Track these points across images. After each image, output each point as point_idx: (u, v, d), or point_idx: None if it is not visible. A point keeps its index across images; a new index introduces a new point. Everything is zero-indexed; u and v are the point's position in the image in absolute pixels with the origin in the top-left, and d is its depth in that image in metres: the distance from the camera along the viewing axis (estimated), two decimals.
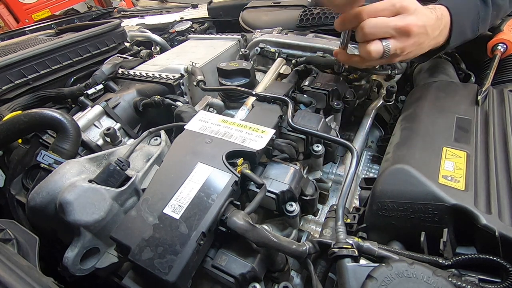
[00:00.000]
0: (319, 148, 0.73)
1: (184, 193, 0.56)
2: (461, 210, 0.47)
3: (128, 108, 0.98)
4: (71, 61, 1.12)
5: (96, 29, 1.22)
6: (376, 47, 0.62)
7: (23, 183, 0.76)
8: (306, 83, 0.91)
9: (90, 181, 0.61)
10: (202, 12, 1.90)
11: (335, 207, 0.57)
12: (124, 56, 1.22)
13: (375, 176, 0.93)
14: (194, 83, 0.97)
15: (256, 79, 1.03)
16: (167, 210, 0.54)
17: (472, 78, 0.94)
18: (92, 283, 0.70)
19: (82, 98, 0.98)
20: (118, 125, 0.92)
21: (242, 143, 0.65)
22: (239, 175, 0.59)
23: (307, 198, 0.67)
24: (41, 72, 1.04)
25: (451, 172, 0.53)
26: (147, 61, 1.23)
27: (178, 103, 0.94)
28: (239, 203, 0.58)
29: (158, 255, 0.48)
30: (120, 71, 1.11)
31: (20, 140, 0.81)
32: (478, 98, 0.68)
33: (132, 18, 2.01)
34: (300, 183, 0.65)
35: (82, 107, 0.98)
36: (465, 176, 0.52)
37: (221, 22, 1.81)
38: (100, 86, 1.02)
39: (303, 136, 0.74)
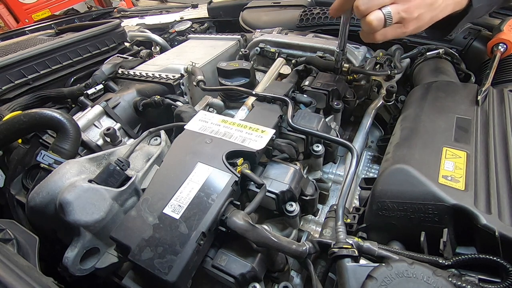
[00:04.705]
0: (319, 148, 0.73)
1: (184, 193, 0.56)
2: (461, 210, 0.47)
3: (128, 108, 0.98)
4: (71, 61, 1.12)
5: (96, 29, 1.22)
6: (375, 16, 0.57)
7: (23, 183, 0.76)
8: (306, 83, 0.91)
9: (90, 181, 0.61)
10: (202, 12, 1.90)
11: (335, 207, 0.57)
12: (124, 56, 1.22)
13: (375, 176, 0.93)
14: (194, 83, 0.97)
15: (256, 79, 1.03)
16: (167, 210, 0.54)
17: (472, 78, 0.94)
18: (92, 283, 0.70)
19: (82, 98, 0.98)
20: (118, 125, 0.92)
21: (242, 143, 0.65)
22: (239, 175, 0.59)
23: (307, 198, 0.67)
24: (41, 72, 1.04)
25: (451, 172, 0.53)
26: (147, 61, 1.23)
27: (178, 103, 0.95)
28: (239, 203, 0.58)
29: (158, 255, 0.48)
30: (120, 71, 1.11)
31: (20, 140, 0.81)
32: (478, 98, 0.68)
33: (132, 18, 2.01)
34: (300, 183, 0.65)
35: (82, 107, 0.98)
36: (465, 176, 0.52)
37: (221, 22, 1.81)
38: (100, 86, 1.02)
39: (303, 136, 0.74)
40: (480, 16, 0.71)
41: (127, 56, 1.23)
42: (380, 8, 0.57)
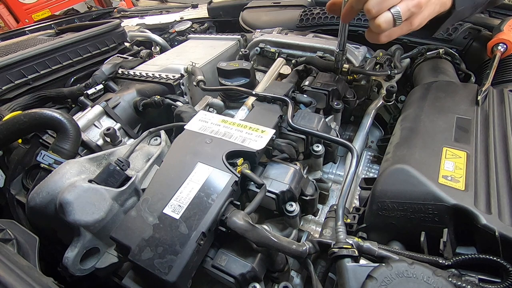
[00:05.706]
0: (319, 148, 0.73)
1: (184, 193, 0.56)
2: (461, 210, 0.47)
3: (128, 108, 0.98)
4: (71, 61, 1.12)
5: (96, 29, 1.22)
6: (384, 18, 0.57)
7: (23, 183, 0.76)
8: (306, 83, 0.91)
9: (90, 181, 0.61)
10: (202, 12, 1.91)
11: (335, 207, 0.57)
12: (124, 56, 1.22)
13: (375, 176, 0.93)
14: (194, 83, 0.97)
15: (256, 79, 1.03)
16: (167, 210, 0.54)
17: (472, 78, 0.94)
18: (92, 283, 0.70)
19: (82, 98, 0.98)
20: (118, 125, 0.92)
21: (242, 143, 0.65)
22: (239, 175, 0.59)
23: (307, 198, 0.67)
24: (41, 72, 1.04)
25: (451, 172, 0.53)
26: (147, 61, 1.23)
27: (178, 103, 0.94)
28: (239, 203, 0.58)
29: (158, 255, 0.48)
30: (120, 71, 1.11)
31: (20, 140, 0.81)
32: (478, 98, 0.68)
33: (132, 18, 2.01)
34: (300, 183, 0.65)
35: (82, 107, 0.98)
36: (465, 176, 0.52)
37: (221, 22, 1.81)
38: (100, 86, 1.02)
39: (303, 136, 0.73)
40: (464, 17, 0.73)
41: (127, 56, 1.23)
42: (389, 9, 0.57)
